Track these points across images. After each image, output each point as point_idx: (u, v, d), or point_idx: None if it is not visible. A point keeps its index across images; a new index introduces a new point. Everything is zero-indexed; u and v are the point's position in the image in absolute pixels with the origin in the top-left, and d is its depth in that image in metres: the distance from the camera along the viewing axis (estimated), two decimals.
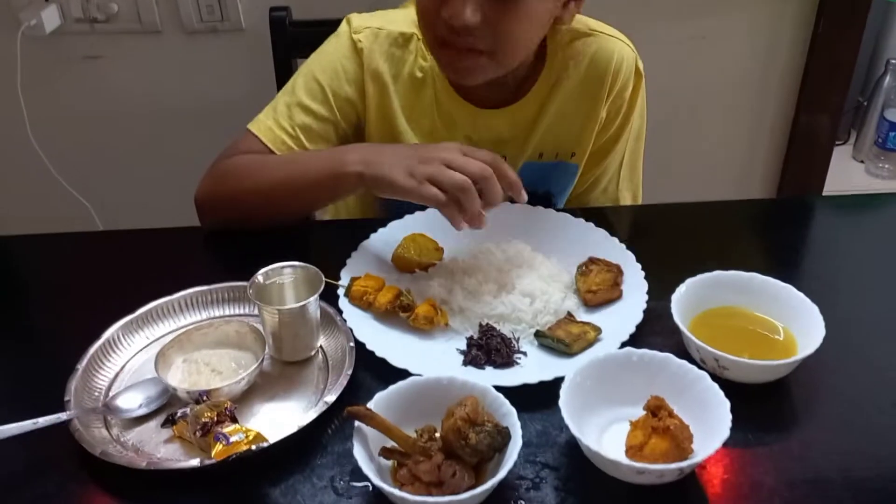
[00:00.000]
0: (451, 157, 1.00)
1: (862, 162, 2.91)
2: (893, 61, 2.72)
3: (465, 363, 0.95)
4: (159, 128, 1.97)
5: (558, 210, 1.18)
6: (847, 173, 2.82)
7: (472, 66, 1.08)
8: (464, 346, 0.97)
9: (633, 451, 0.80)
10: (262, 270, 0.95)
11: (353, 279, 1.02)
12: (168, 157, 1.99)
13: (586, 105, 1.22)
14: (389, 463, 0.81)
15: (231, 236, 1.19)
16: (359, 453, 0.78)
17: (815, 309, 0.94)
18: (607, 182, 1.32)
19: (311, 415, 0.85)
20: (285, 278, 0.96)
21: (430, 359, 0.94)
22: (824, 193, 2.21)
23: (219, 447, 0.78)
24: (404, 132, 1.23)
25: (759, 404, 0.89)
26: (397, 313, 0.99)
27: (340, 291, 1.02)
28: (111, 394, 0.91)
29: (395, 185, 1.01)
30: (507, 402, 0.82)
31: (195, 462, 0.80)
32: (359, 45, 1.19)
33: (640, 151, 1.34)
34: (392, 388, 0.84)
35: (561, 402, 0.82)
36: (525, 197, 1.03)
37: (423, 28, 1.13)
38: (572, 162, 1.26)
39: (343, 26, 1.22)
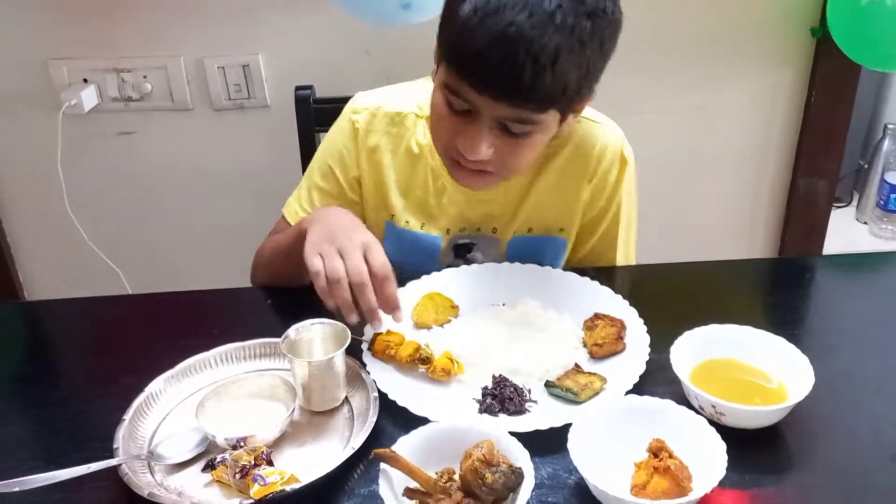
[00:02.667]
0: (347, 248, 1.08)
1: (865, 223, 2.97)
2: (891, 126, 2.80)
3: (481, 411, 1.02)
4: (187, 199, 2.07)
5: (565, 270, 1.26)
6: (851, 234, 2.90)
7: (479, 182, 1.19)
8: (479, 396, 1.04)
9: (636, 489, 0.87)
10: (294, 326, 1.03)
11: (375, 335, 1.10)
12: (195, 226, 2.10)
13: (571, 184, 1.30)
14: (413, 503, 0.88)
15: (261, 297, 1.28)
16: (385, 493, 0.85)
17: (804, 359, 1.01)
18: (598, 258, 1.38)
19: (340, 458, 0.92)
20: (314, 334, 1.05)
21: (448, 407, 1.01)
22: (828, 254, 2.28)
23: (257, 487, 0.85)
24: (397, 204, 1.33)
25: (755, 449, 0.96)
26: (417, 366, 1.06)
27: (364, 346, 1.10)
28: (154, 442, 0.99)
29: (304, 257, 1.09)
30: (520, 445, 0.89)
31: (235, 502, 0.87)
32: (356, 125, 1.31)
33: (633, 237, 1.40)
34: (414, 432, 0.92)
35: (569, 446, 0.89)
36: (401, 317, 1.11)
37: (435, 141, 1.22)
38: (561, 236, 1.34)
39: (347, 107, 1.34)
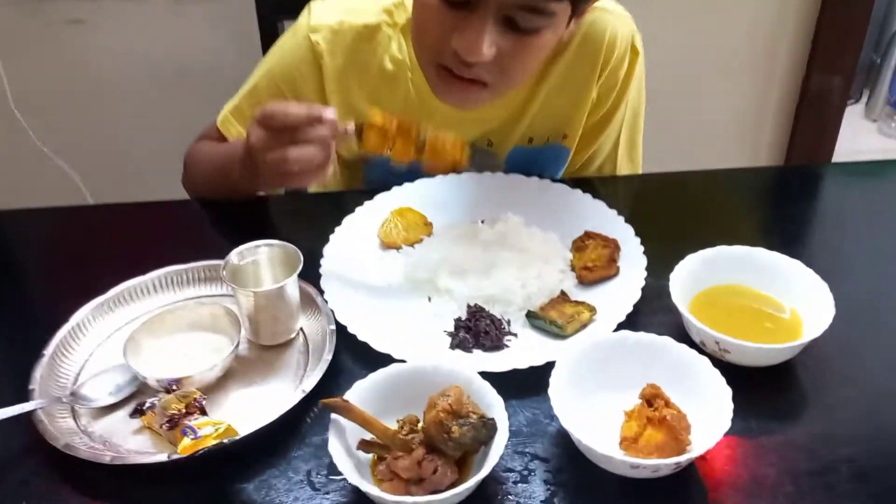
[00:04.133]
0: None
1: (875, 121, 2.82)
2: None
3: (453, 346, 0.90)
4: (144, 95, 1.90)
5: (554, 181, 1.12)
6: (859, 133, 2.73)
7: (471, 98, 1.02)
8: (451, 328, 0.92)
9: (627, 442, 0.75)
10: (237, 250, 0.89)
11: (360, 123, 0.93)
12: (153, 123, 1.93)
13: (577, 85, 1.14)
14: (370, 456, 0.77)
15: (218, 209, 1.15)
16: (335, 448, 0.73)
17: (824, 286, 0.88)
18: (602, 162, 1.25)
19: (288, 404, 0.80)
20: (261, 257, 0.91)
21: (416, 342, 0.89)
22: (835, 154, 2.14)
23: (186, 442, 0.73)
24: None
25: (762, 390, 0.84)
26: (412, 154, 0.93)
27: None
28: (79, 381, 0.86)
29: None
30: (493, 390, 0.77)
31: (163, 456, 0.76)
32: (317, 47, 1.10)
33: (640, 129, 1.26)
34: (372, 376, 0.79)
35: (551, 391, 0.77)
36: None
37: (419, 47, 1.04)
38: (564, 144, 1.19)
39: (302, 20, 1.13)
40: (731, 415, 0.74)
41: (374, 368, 0.81)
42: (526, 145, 1.18)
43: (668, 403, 0.75)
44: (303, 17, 1.13)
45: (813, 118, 2.07)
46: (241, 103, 1.17)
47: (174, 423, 0.76)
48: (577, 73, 1.13)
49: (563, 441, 0.79)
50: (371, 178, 1.21)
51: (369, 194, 1.09)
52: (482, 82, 0.99)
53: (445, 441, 0.73)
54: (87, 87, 1.89)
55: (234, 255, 0.89)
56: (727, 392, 0.76)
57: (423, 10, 0.98)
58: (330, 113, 0.91)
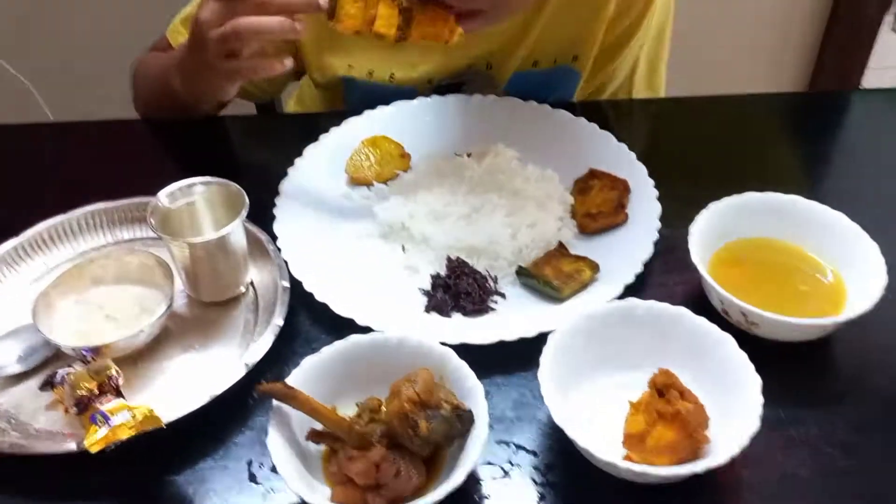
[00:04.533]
0: None
1: None
2: None
3: (429, 309, 0.76)
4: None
5: (554, 107, 0.95)
6: (887, 48, 2.52)
7: (464, 28, 0.81)
8: (427, 286, 0.77)
9: (632, 440, 0.62)
10: (167, 190, 0.74)
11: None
12: (106, 32, 1.73)
13: None
14: (320, 448, 0.64)
15: (164, 131, 1.01)
16: (276, 443, 0.60)
17: (874, 247, 0.73)
18: (617, 88, 1.07)
19: (228, 381, 0.67)
20: (197, 197, 0.76)
21: (385, 303, 0.75)
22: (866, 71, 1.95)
23: (97, 434, 0.60)
24: (353, 50, 0.98)
25: (795, 372, 0.71)
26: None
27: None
28: None
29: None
30: (472, 374, 0.64)
31: (72, 445, 0.63)
32: None
33: (664, 53, 1.09)
34: (325, 349, 0.66)
35: (541, 375, 0.63)
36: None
37: None
38: (575, 67, 1.01)
39: None
40: (760, 411, 0.60)
41: (334, 334, 0.69)
42: (530, 69, 1.00)
43: (683, 394, 0.62)
44: None
45: (844, 33, 1.88)
46: (192, 11, 0.98)
47: (84, 406, 0.62)
48: None
49: (555, 430, 0.65)
50: (351, 99, 1.04)
51: (337, 119, 0.93)
52: (478, 10, 0.81)
53: (411, 437, 0.60)
54: None
55: (163, 197, 0.74)
56: (756, 381, 0.62)
57: None
58: None
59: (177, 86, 0.88)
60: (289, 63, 0.78)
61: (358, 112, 0.94)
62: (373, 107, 0.94)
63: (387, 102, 0.95)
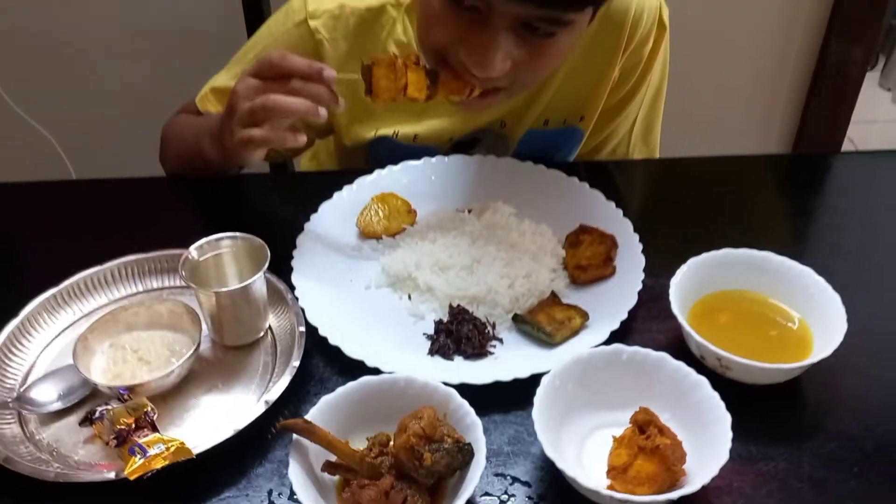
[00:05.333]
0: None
1: (889, 90, 2.71)
2: None
3: (432, 352, 0.83)
4: (117, 59, 1.80)
5: (549, 167, 1.03)
6: (873, 102, 2.63)
7: (482, 105, 0.92)
8: (431, 331, 0.85)
9: (615, 472, 0.69)
10: (197, 244, 0.82)
11: (367, 65, 0.85)
12: (131, 94, 1.83)
13: (599, 63, 1.04)
14: (335, 479, 0.71)
15: (189, 188, 1.08)
16: (296, 472, 0.67)
17: (836, 298, 0.80)
18: (616, 145, 1.16)
19: (249, 417, 0.74)
20: (224, 251, 0.83)
21: (392, 346, 0.82)
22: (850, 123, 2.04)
23: (134, 462, 0.67)
24: (380, 117, 1.07)
25: (765, 411, 0.77)
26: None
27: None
28: (27, 384, 0.80)
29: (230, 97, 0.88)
30: (472, 411, 0.70)
31: (110, 475, 0.69)
32: (317, 34, 1.01)
33: (659, 110, 1.17)
34: (340, 390, 0.73)
35: (535, 414, 0.70)
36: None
37: (424, 43, 0.92)
38: (580, 127, 1.10)
39: (296, 3, 1.03)
40: (729, 444, 0.67)
41: (346, 375, 0.76)
42: (541, 128, 1.09)
43: (662, 431, 0.69)
44: (297, 3, 1.03)
45: (830, 91, 1.97)
46: (223, 83, 1.08)
47: (122, 439, 0.69)
48: (600, 49, 1.03)
49: (548, 463, 0.72)
50: (376, 157, 1.11)
51: (349, 177, 1.01)
52: (496, 88, 0.90)
53: (416, 468, 0.66)
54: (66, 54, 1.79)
55: (193, 251, 0.82)
56: (726, 419, 0.69)
57: (429, 9, 0.87)
58: (330, 72, 0.83)
59: (207, 149, 0.96)
60: (302, 139, 0.86)
61: (368, 171, 1.02)
62: (396, 163, 1.03)
63: (409, 159, 1.03)
